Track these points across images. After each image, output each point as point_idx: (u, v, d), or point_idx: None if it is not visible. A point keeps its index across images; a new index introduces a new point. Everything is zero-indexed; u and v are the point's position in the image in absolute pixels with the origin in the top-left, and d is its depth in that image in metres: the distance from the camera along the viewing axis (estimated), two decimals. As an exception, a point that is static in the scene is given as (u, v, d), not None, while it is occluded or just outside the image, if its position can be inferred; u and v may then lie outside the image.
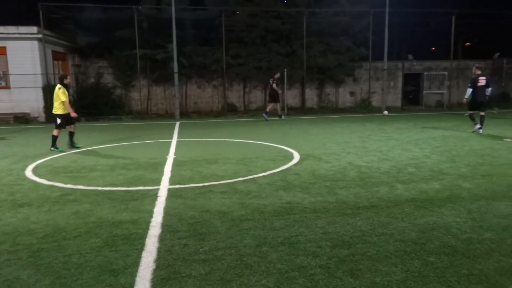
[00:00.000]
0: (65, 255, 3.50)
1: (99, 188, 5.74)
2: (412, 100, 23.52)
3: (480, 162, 7.08)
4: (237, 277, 3.06)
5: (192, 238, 3.83)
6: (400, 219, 4.26)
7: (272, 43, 20.18)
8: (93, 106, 18.38)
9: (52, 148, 9.28)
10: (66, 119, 9.36)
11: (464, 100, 11.84)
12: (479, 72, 11.32)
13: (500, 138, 10.07)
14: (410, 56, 23.14)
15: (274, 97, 16.73)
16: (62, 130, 9.48)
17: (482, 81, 11.16)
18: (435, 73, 22.27)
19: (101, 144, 10.23)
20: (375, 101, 21.58)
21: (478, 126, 11.10)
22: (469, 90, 11.26)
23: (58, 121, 9.28)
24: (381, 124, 14.13)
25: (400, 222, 4.19)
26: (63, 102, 9.10)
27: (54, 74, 18.02)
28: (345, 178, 6.09)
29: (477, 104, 11.29)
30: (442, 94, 22.17)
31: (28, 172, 6.91)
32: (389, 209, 4.60)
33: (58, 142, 9.35)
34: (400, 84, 22.69)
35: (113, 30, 19.18)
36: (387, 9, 19.74)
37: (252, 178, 6.20)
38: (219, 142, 10.37)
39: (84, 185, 5.95)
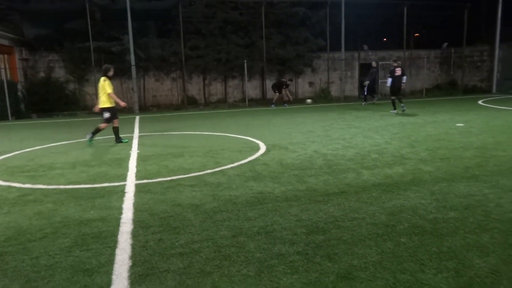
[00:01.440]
0: (32, 257, 3.32)
1: (61, 187, 5.48)
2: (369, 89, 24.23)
3: (437, 146, 7.44)
4: (217, 269, 3.04)
5: (166, 233, 3.75)
6: (369, 204, 4.40)
7: (231, 34, 20.05)
8: (45, 102, 17.50)
9: (88, 136, 9.01)
10: (114, 112, 9.05)
11: (387, 88, 14.27)
12: (395, 65, 13.64)
13: (453, 123, 10.62)
14: (365, 47, 23.79)
15: (279, 89, 18.74)
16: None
17: (398, 71, 13.49)
18: (389, 62, 23.03)
19: (57, 141, 9.77)
20: (334, 91, 22.07)
21: (395, 111, 13.56)
22: (389, 80, 13.66)
23: (107, 115, 8.96)
24: (342, 113, 14.47)
25: (370, 206, 4.32)
26: (109, 94, 8.78)
27: (0, 68, 16.92)
28: (312, 167, 6.19)
29: (396, 89, 13.59)
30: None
31: (-20, 173, 6.48)
32: (358, 195, 4.73)
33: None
34: (356, 74, 23.31)
35: (63, 21, 18.27)
36: (343, 0, 20.14)
37: (220, 170, 6.16)
38: (183, 135, 10.21)
39: (44, 184, 5.66)
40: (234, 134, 9.99)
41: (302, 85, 22.61)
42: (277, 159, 6.83)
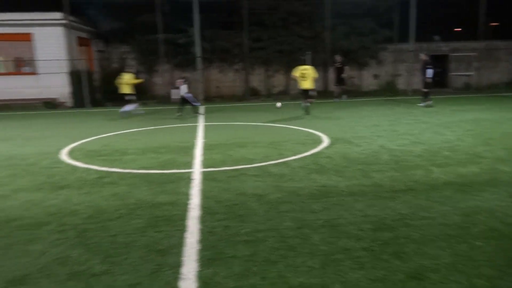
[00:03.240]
0: (110, 235, 3.58)
1: (134, 171, 5.83)
2: (439, 82, 22.90)
3: (517, 145, 6.88)
4: (282, 258, 3.08)
5: (232, 220, 3.86)
6: (440, 203, 4.19)
7: (294, 25, 19.88)
8: (117, 91, 18.57)
9: (305, 104, 11.95)
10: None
11: (428, 80, 13.79)
12: (426, 59, 14.00)
13: (535, 121, 9.73)
14: (437, 37, 22.42)
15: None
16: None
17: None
18: (462, 54, 21.57)
19: (129, 128, 10.38)
20: (400, 84, 21.12)
21: (426, 103, 13.76)
22: (431, 71, 13.76)
23: (314, 93, 11.92)
24: (409, 107, 13.84)
25: (441, 206, 4.12)
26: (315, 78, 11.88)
27: (79, 60, 18.24)
28: (378, 162, 6.01)
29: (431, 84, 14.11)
30: (469, 76, 21.50)
31: (63, 156, 7.07)
32: (427, 193, 4.52)
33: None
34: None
35: (135, 15, 19.25)
36: (414, -11, 19.13)
37: (283, 161, 6.19)
38: (246, 126, 10.37)
39: (119, 168, 6.05)
40: (296, 126, 9.96)
41: (367, 78, 21.89)
42: (341, 152, 6.71)
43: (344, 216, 3.90)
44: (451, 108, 13.11)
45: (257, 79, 21.38)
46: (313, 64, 20.14)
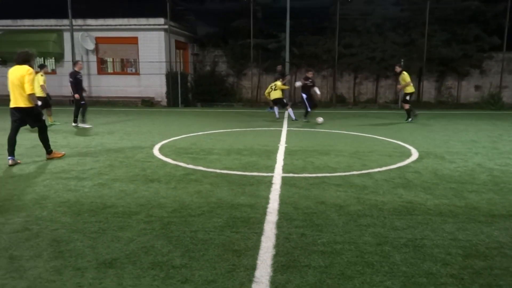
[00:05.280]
0: (191, 230, 3.75)
1: (217, 171, 6.05)
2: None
3: None
4: (358, 274, 2.95)
5: (309, 228, 3.80)
6: (548, 234, 3.68)
7: (389, 32, 19.10)
8: (208, 93, 19.53)
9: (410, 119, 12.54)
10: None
11: None
12: None
13: None
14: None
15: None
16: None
17: None
18: None
19: (216, 129, 10.82)
20: (507, 97, 19.12)
21: None
22: None
23: (408, 97, 12.52)
24: (515, 123, 12.47)
25: (549, 237, 3.62)
26: (408, 83, 12.38)
27: (176, 62, 19.53)
28: (474, 181, 5.49)
29: None
30: None
31: (156, 151, 7.61)
32: (532, 221, 4.01)
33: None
34: (539, 78, 19.71)
35: (229, 20, 20.08)
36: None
37: (367, 172, 5.95)
38: (330, 133, 10.18)
39: (203, 166, 6.33)
40: (383, 136, 9.53)
41: (467, 89, 20.19)
42: (431, 168, 6.26)
43: (430, 237, 3.62)
44: None
45: (344, 86, 20.94)
46: (406, 72, 19.24)
